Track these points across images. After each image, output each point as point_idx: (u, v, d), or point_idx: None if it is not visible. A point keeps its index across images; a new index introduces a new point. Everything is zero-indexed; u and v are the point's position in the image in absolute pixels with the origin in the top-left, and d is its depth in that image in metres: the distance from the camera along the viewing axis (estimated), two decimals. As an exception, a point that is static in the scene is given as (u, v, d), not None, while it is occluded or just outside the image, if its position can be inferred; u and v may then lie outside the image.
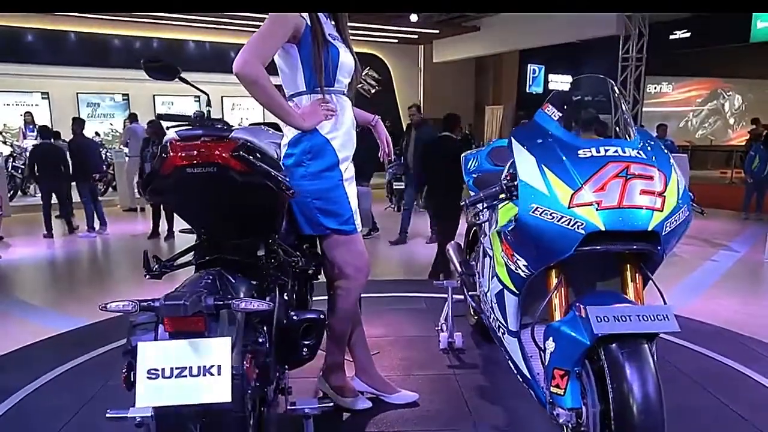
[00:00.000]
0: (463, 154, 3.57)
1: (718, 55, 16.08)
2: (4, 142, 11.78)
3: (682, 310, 4.28)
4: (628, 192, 1.81)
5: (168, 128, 2.17)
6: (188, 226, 2.17)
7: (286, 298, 2.22)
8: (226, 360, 1.47)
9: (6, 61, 12.25)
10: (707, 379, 3.08)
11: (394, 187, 9.15)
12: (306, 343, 2.12)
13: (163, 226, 7.54)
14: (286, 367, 2.19)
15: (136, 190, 9.91)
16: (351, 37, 2.42)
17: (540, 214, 1.86)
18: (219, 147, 1.75)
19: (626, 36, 12.11)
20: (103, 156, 10.26)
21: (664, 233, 1.81)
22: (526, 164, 1.98)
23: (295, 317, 2.11)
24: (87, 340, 3.62)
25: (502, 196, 2.06)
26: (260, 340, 1.82)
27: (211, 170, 1.74)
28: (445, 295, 3.47)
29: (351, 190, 2.38)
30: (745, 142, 15.37)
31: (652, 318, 1.71)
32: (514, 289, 2.22)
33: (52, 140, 8.25)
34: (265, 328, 1.89)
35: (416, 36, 15.74)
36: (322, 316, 2.14)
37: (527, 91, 18.32)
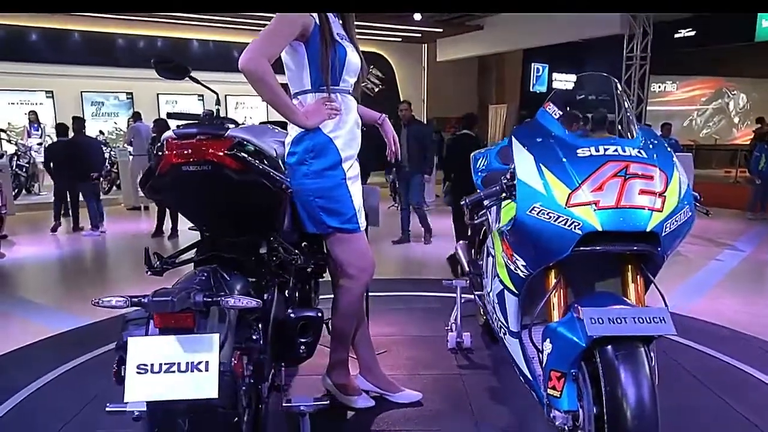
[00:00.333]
0: (472, 153, 3.56)
1: (722, 54, 16.03)
2: (9, 141, 11.81)
3: (686, 310, 4.28)
4: (626, 192, 1.78)
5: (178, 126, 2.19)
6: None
7: (285, 295, 2.22)
8: (213, 356, 1.48)
9: (10, 59, 12.28)
10: (710, 378, 3.07)
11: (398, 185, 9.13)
12: (303, 340, 2.12)
13: (167, 224, 7.55)
14: (283, 364, 2.19)
15: (140, 189, 9.94)
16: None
17: (537, 214, 1.84)
18: (214, 145, 1.77)
19: (630, 35, 12.08)
20: (106, 155, 10.27)
21: (663, 234, 1.78)
22: (524, 163, 1.96)
23: (292, 315, 2.11)
24: (89, 338, 3.63)
25: (503, 195, 2.04)
26: (254, 337, 1.83)
27: (206, 168, 1.76)
28: (465, 295, 3.47)
29: (355, 188, 2.38)
30: (749, 141, 15.31)
31: (648, 320, 1.68)
32: (514, 290, 2.20)
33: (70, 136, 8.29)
34: (260, 325, 1.90)
35: (420, 35, 15.73)
36: (319, 314, 2.14)
37: (531, 90, 18.28)
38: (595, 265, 2.10)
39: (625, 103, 2.08)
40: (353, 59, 2.31)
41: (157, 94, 14.04)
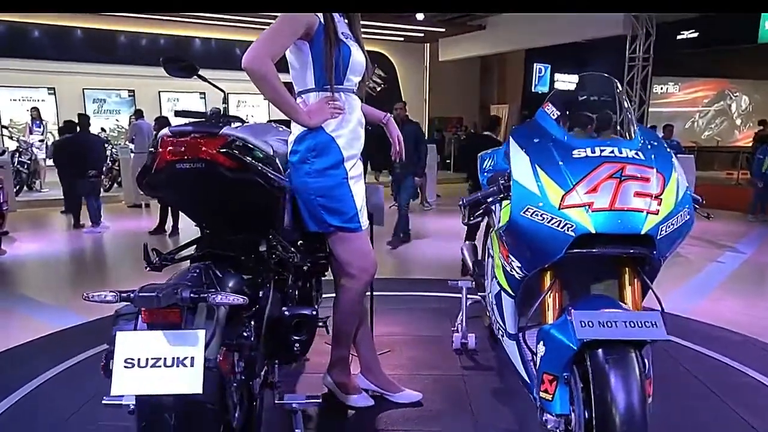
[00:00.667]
0: (480, 154, 3.55)
1: (725, 55, 16.01)
2: (11, 138, 11.82)
3: (687, 311, 4.27)
4: (621, 194, 1.75)
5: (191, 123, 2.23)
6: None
7: (283, 293, 2.23)
8: (199, 352, 1.49)
9: (13, 56, 12.29)
10: (710, 379, 3.07)
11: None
12: (297, 338, 2.13)
13: (168, 222, 7.55)
14: (276, 361, 2.20)
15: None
16: None
17: (531, 215, 1.82)
18: (207, 143, 1.79)
19: (633, 36, 12.06)
20: (108, 153, 10.28)
21: (659, 237, 1.75)
22: (520, 164, 1.94)
23: (286, 313, 2.12)
24: (90, 336, 3.62)
25: (501, 196, 2.02)
26: (245, 334, 1.84)
27: (199, 166, 1.79)
28: (471, 296, 3.46)
29: (357, 188, 2.38)
30: (751, 143, 15.28)
31: (640, 325, 1.65)
32: (510, 291, 2.19)
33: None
34: (253, 322, 1.92)
35: (422, 34, 15.74)
36: (314, 313, 2.14)
37: (533, 90, 18.26)
38: (591, 267, 2.07)
39: (625, 104, 2.06)
40: (358, 58, 2.31)
41: (159, 92, 14.06)
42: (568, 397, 1.79)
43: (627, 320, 1.66)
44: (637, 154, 1.86)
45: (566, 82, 17.92)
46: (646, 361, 1.69)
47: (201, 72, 2.17)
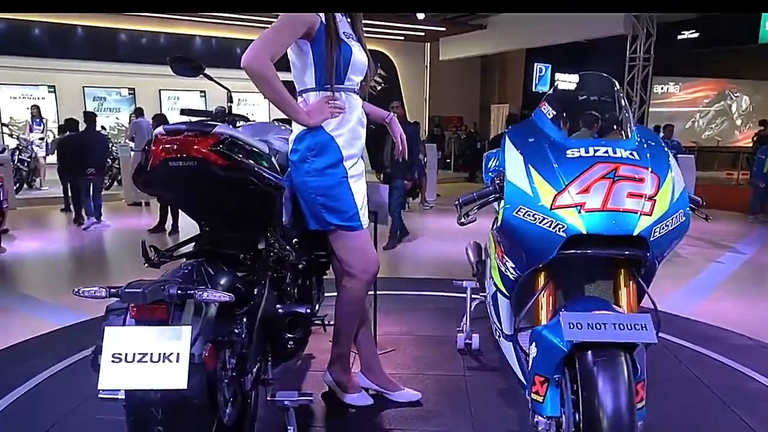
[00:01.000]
0: (485, 153, 3.55)
1: (725, 55, 16.01)
2: (11, 135, 11.81)
3: (687, 312, 4.27)
4: (614, 194, 1.73)
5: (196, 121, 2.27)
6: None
7: (279, 291, 2.24)
8: (184, 348, 1.51)
9: (13, 54, 12.27)
10: (710, 378, 3.07)
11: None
12: (291, 336, 2.13)
13: (169, 221, 7.55)
14: (270, 359, 2.21)
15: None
16: None
17: (523, 216, 1.80)
18: (199, 142, 1.82)
19: (634, 36, 12.06)
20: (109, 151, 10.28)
21: (652, 239, 1.73)
22: (513, 163, 1.93)
23: (280, 310, 2.13)
24: (89, 334, 3.61)
25: (496, 195, 2.01)
26: (236, 331, 1.86)
27: (192, 164, 1.81)
28: (475, 296, 3.46)
29: (357, 186, 2.38)
30: (751, 143, 15.28)
31: (629, 327, 1.62)
32: (505, 292, 2.17)
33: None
34: (245, 319, 1.93)
35: (422, 34, 15.73)
36: (308, 311, 2.15)
37: (533, 90, 18.25)
38: (587, 269, 2.05)
39: (622, 103, 2.04)
40: (359, 58, 2.31)
41: (159, 90, 14.05)
42: (559, 400, 1.77)
43: (616, 322, 1.63)
44: (631, 154, 1.84)
45: (567, 81, 17.89)
46: (638, 364, 1.66)
47: (205, 70, 2.19)
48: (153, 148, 1.85)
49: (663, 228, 1.75)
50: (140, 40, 13.77)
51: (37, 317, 4.23)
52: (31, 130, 11.51)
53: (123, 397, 1.65)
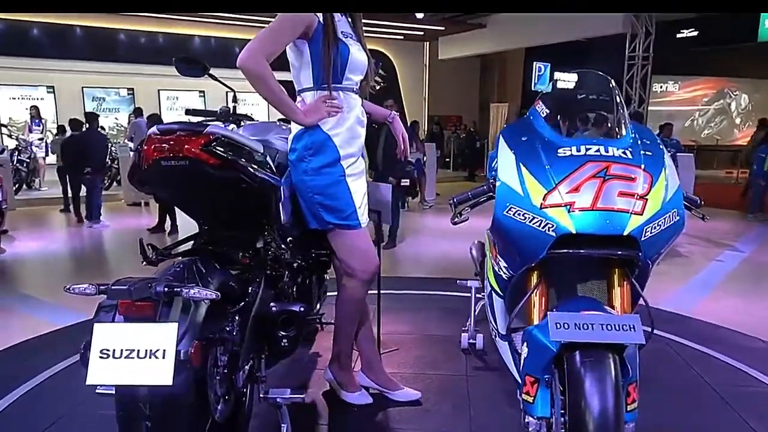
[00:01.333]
0: (490, 152, 3.55)
1: (725, 54, 16.00)
2: (10, 136, 11.80)
3: (686, 310, 4.28)
4: (604, 193, 1.71)
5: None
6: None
7: (275, 289, 2.25)
8: (171, 345, 1.53)
9: (12, 54, 12.26)
10: (711, 377, 3.07)
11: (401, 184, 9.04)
12: (284, 334, 2.14)
13: (168, 222, 7.56)
14: (263, 356, 2.22)
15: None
16: None
17: (514, 215, 1.79)
18: (190, 141, 1.84)
19: (633, 34, 12.06)
20: (108, 151, 10.28)
21: (643, 239, 1.70)
22: (506, 162, 1.92)
23: (274, 308, 2.14)
24: (89, 334, 3.62)
25: (490, 194, 2.00)
26: (227, 329, 1.89)
27: (183, 163, 1.84)
28: (479, 295, 3.45)
29: (356, 185, 2.38)
30: (749, 142, 15.27)
31: (617, 328, 1.59)
32: (499, 291, 2.17)
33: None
34: (238, 317, 1.96)
35: (421, 33, 15.73)
36: (301, 309, 2.16)
37: (532, 88, 18.24)
38: (581, 269, 2.03)
39: (617, 100, 2.02)
40: (358, 57, 2.31)
41: (158, 90, 14.05)
42: (549, 400, 1.75)
43: (604, 323, 1.60)
44: (624, 152, 1.82)
45: (566, 80, 17.88)
46: (628, 365, 1.64)
47: (200, 70, 2.20)
48: (145, 147, 1.88)
49: (655, 228, 1.72)
50: (139, 40, 13.77)
51: (37, 317, 4.23)
52: (30, 131, 11.51)
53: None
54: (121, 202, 10.48)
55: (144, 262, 2.11)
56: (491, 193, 1.99)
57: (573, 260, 1.85)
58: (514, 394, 2.74)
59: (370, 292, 2.60)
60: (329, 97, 2.26)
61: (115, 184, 11.38)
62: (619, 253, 1.75)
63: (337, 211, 2.33)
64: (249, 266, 2.14)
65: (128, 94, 14.09)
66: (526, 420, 1.79)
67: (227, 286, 1.95)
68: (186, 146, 1.83)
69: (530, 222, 1.75)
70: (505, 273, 2.04)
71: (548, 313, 1.68)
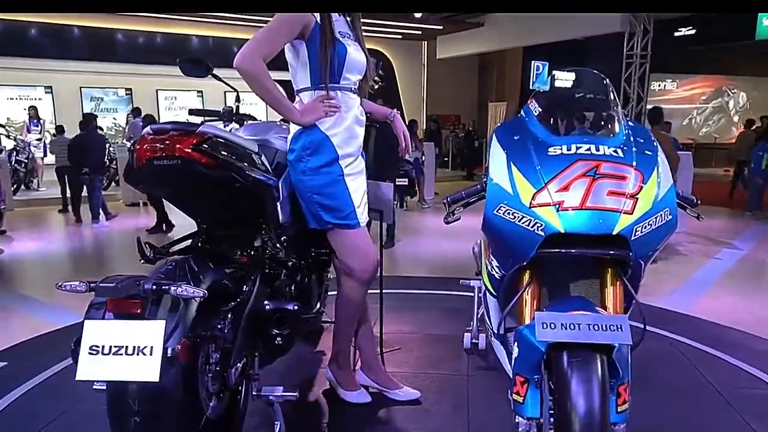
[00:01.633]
0: (489, 151, 3.54)
1: (723, 52, 15.98)
2: (8, 136, 11.79)
3: (685, 308, 4.29)
4: (593, 192, 1.69)
5: (203, 122, 2.36)
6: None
7: (273, 288, 2.26)
8: (158, 342, 1.55)
9: (10, 54, 12.24)
10: (712, 376, 3.08)
11: (397, 183, 9.06)
12: (278, 332, 2.15)
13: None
14: (256, 354, 2.23)
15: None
16: None
17: (503, 214, 1.77)
18: (182, 141, 1.86)
19: (631, 33, 12.05)
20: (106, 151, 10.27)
21: (633, 238, 1.67)
22: (496, 161, 1.91)
23: (267, 306, 2.15)
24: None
25: (482, 194, 1.99)
26: (219, 326, 1.91)
27: (176, 163, 1.86)
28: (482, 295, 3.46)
29: (355, 185, 2.38)
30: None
31: (604, 328, 1.57)
32: (493, 291, 2.16)
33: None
34: (230, 315, 1.98)
35: (419, 32, 15.71)
36: (295, 308, 2.17)
37: (531, 87, 18.20)
38: (573, 268, 2.01)
39: (611, 98, 2.01)
40: (356, 57, 2.31)
41: (157, 90, 14.04)
42: (539, 401, 1.73)
43: (591, 323, 1.58)
44: (615, 151, 1.80)
45: (564, 79, 17.87)
46: (618, 365, 1.61)
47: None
48: (138, 147, 1.90)
49: (646, 227, 1.70)
50: (137, 40, 13.76)
51: (36, 317, 4.23)
52: (28, 131, 11.49)
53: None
54: (120, 202, 10.47)
55: (142, 261, 2.13)
56: (484, 192, 1.98)
57: (565, 260, 1.84)
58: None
59: (371, 291, 2.61)
60: (327, 96, 2.27)
61: (113, 184, 11.37)
62: (610, 252, 1.73)
63: (335, 210, 2.33)
64: (244, 265, 2.16)
65: (126, 94, 14.07)
66: (517, 420, 1.77)
67: (219, 285, 1.96)
68: (178, 146, 1.85)
69: (519, 221, 1.74)
70: (497, 272, 2.04)
71: (536, 312, 1.67)
